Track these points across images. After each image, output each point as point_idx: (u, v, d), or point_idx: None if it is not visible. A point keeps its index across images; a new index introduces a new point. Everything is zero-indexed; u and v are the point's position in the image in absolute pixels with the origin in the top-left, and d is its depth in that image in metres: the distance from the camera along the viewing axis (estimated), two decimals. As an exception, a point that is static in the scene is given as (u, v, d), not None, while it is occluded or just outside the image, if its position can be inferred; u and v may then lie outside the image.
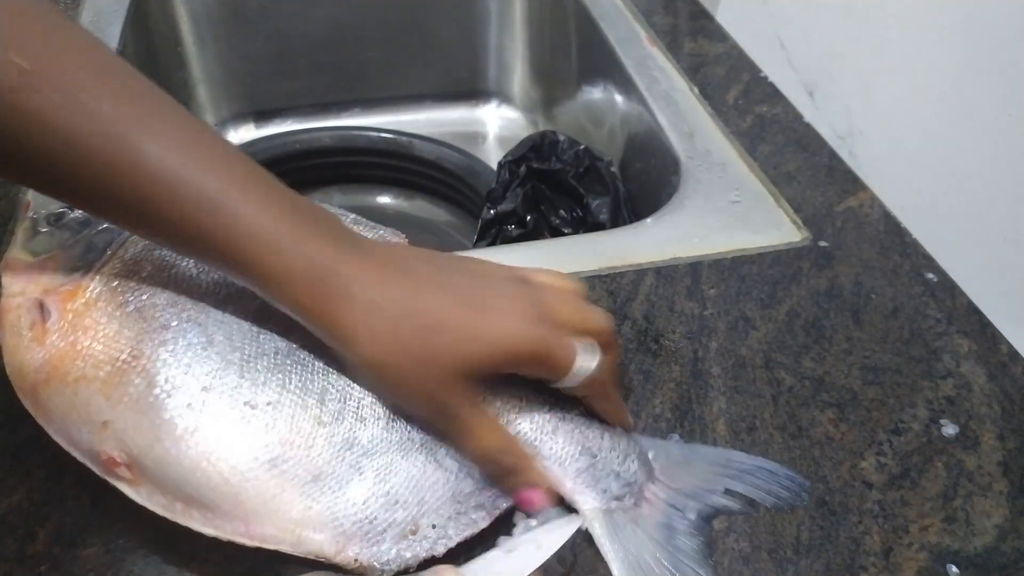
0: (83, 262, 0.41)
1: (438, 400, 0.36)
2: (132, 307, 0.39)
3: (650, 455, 0.43)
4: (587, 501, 0.40)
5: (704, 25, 0.85)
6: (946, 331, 0.53)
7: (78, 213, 0.44)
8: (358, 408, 0.38)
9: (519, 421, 0.40)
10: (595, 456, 0.41)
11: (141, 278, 0.40)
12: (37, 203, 0.59)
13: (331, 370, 0.39)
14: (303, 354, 0.39)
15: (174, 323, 0.39)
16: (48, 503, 0.41)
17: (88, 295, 0.40)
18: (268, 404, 0.38)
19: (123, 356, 0.38)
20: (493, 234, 0.76)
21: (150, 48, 0.87)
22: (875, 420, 0.47)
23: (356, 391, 0.39)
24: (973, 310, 0.54)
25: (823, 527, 0.42)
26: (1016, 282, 0.53)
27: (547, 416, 0.41)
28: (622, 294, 0.54)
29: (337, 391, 0.39)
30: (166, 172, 0.33)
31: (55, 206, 0.44)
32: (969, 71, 0.55)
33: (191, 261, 0.41)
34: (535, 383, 0.40)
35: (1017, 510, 0.43)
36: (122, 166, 0.33)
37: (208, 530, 0.37)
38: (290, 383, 0.38)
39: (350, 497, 0.37)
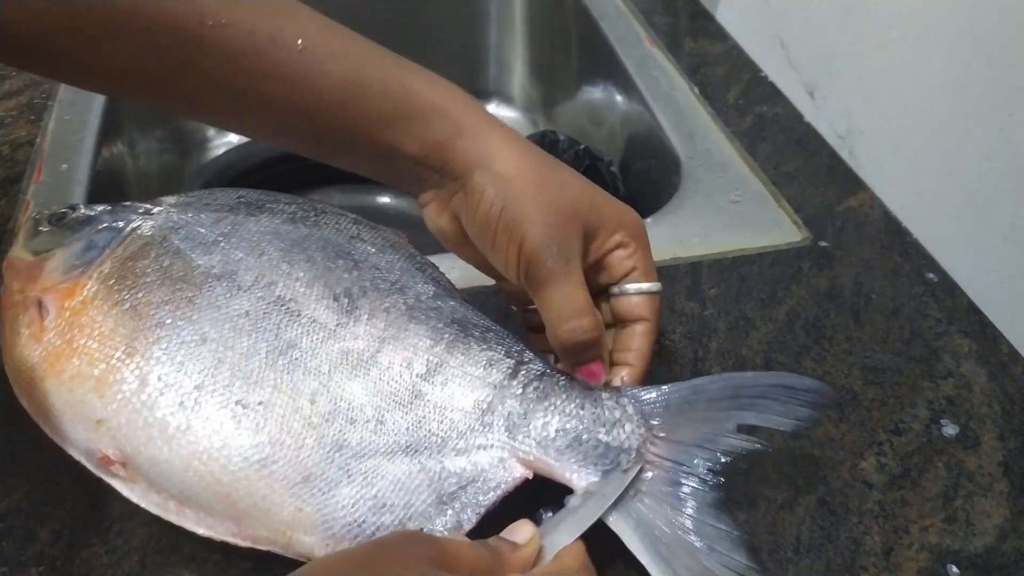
0: (82, 260, 0.41)
1: (556, 232, 0.38)
2: (128, 305, 0.40)
3: (645, 410, 0.40)
4: (580, 479, 0.38)
5: (704, 25, 0.85)
6: (946, 331, 0.53)
7: (79, 212, 0.44)
8: (348, 410, 0.38)
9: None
10: (577, 432, 0.39)
11: (137, 276, 0.40)
12: (37, 203, 0.59)
13: (323, 371, 0.39)
14: (296, 353, 0.39)
15: (168, 321, 0.39)
16: (48, 503, 0.41)
17: (85, 293, 0.40)
18: (259, 404, 0.38)
19: (117, 354, 0.38)
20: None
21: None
22: (875, 420, 0.47)
23: (347, 393, 0.38)
24: (973, 310, 0.54)
25: (823, 527, 0.42)
26: (1016, 282, 0.53)
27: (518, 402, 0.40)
28: (622, 294, 0.54)
29: (328, 392, 0.38)
30: (334, 34, 0.38)
31: (56, 206, 0.44)
32: (969, 71, 0.55)
33: (187, 259, 0.41)
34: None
35: (1017, 510, 0.43)
36: (285, 35, 0.37)
37: (201, 530, 0.37)
38: (282, 383, 0.38)
39: (339, 500, 0.37)
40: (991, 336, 0.53)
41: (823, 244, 0.59)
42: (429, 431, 0.38)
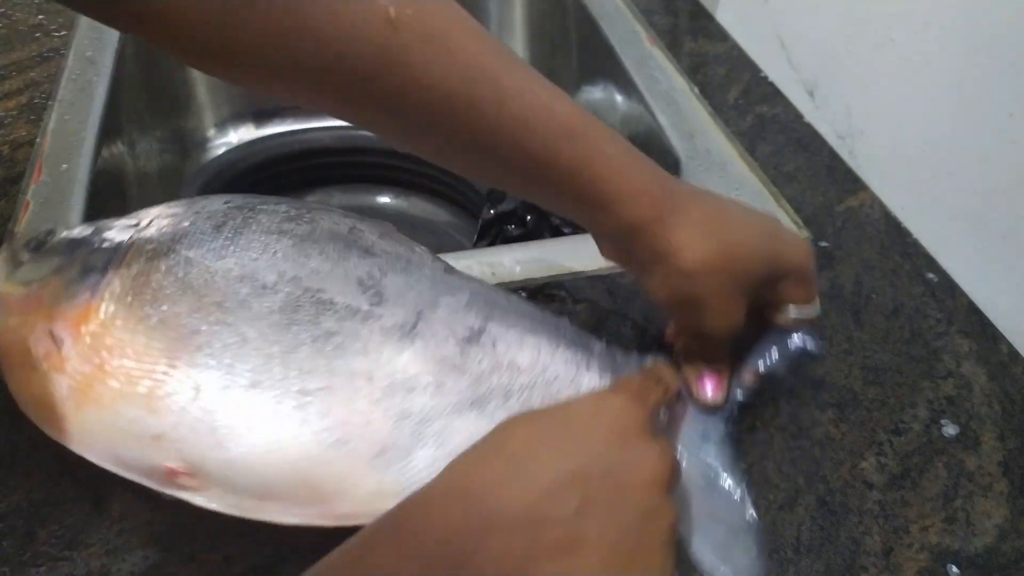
0: (85, 284, 0.40)
1: (728, 310, 0.41)
2: (155, 319, 0.39)
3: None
4: None
5: (704, 25, 0.85)
6: (946, 331, 0.53)
7: (60, 237, 0.43)
8: (405, 381, 0.40)
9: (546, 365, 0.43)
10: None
11: (154, 290, 0.40)
12: (37, 203, 0.59)
13: (371, 350, 0.40)
14: (340, 338, 0.40)
15: (203, 328, 0.39)
16: (48, 503, 0.41)
17: (102, 315, 0.39)
18: (320, 389, 0.38)
19: (160, 367, 0.38)
20: (493, 234, 0.76)
21: (150, 48, 0.87)
22: (875, 420, 0.47)
23: (400, 366, 0.40)
24: (973, 310, 0.54)
25: (823, 527, 0.42)
26: (1016, 282, 0.53)
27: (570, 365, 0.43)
28: (622, 294, 0.54)
29: (382, 368, 0.39)
30: (529, 106, 0.37)
31: (30, 234, 0.43)
32: (969, 71, 0.55)
33: (202, 267, 0.41)
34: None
35: (1017, 510, 0.43)
36: (485, 103, 0.36)
37: (288, 519, 0.37)
38: (336, 367, 0.39)
39: (416, 464, 0.38)
40: (991, 336, 0.53)
41: (823, 244, 0.59)
42: (489, 387, 0.41)
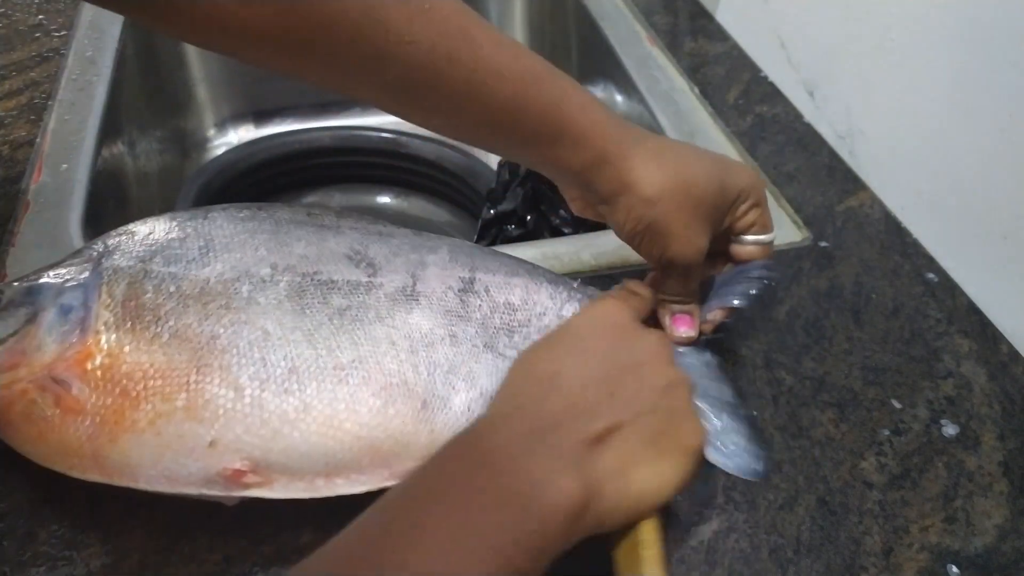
0: (69, 325, 0.40)
1: (693, 235, 0.44)
2: (167, 335, 0.39)
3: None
4: None
5: (704, 25, 0.85)
6: (946, 331, 0.53)
7: (13, 287, 0.42)
8: (423, 337, 0.42)
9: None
10: None
11: (151, 309, 0.40)
12: (37, 203, 0.59)
13: (383, 316, 0.42)
14: (353, 312, 0.42)
15: (221, 331, 0.39)
16: (48, 503, 0.41)
17: (105, 347, 0.39)
18: (352, 362, 0.40)
19: (192, 378, 0.38)
20: (493, 234, 0.76)
21: (150, 47, 0.87)
22: (875, 420, 0.47)
23: (414, 325, 0.42)
24: (973, 310, 0.54)
25: (823, 527, 0.42)
26: (1016, 282, 0.53)
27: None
28: (622, 294, 0.54)
29: (399, 330, 0.42)
30: (500, 56, 0.40)
31: None
32: (969, 71, 0.55)
33: (191, 278, 0.41)
34: None
35: (1017, 510, 0.43)
36: (462, 54, 0.39)
37: (357, 488, 0.38)
38: (359, 338, 0.41)
39: (457, 408, 0.41)
40: (991, 336, 0.53)
41: (823, 244, 0.59)
42: (495, 327, 0.44)
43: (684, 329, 0.47)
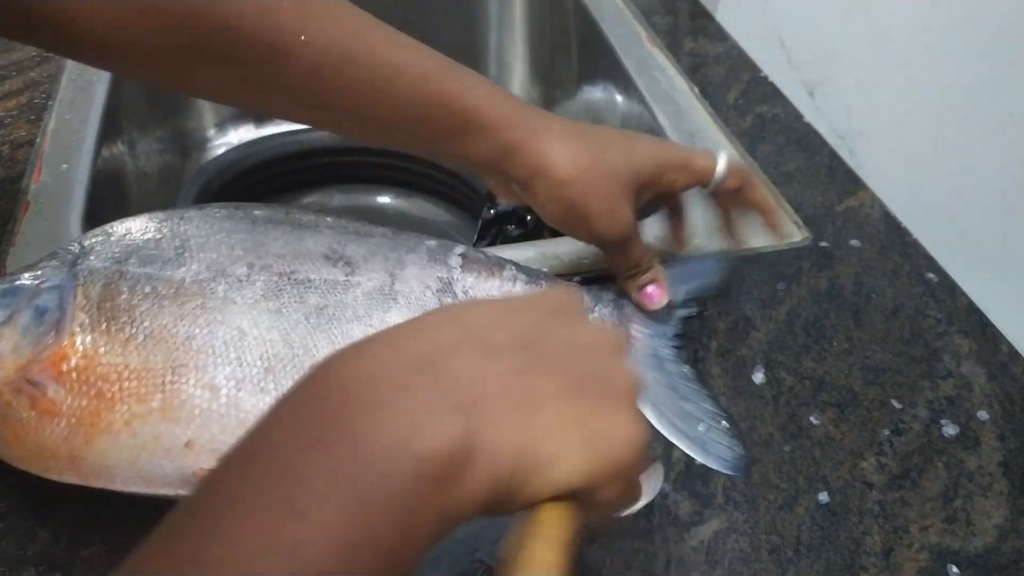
0: (44, 327, 0.39)
1: (615, 213, 0.45)
2: (142, 336, 0.39)
3: (624, 303, 0.50)
4: None
5: (704, 25, 0.85)
6: (946, 331, 0.53)
7: None
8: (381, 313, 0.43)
9: None
10: None
11: (126, 310, 0.40)
12: (37, 203, 0.59)
13: (360, 314, 0.42)
14: (330, 310, 0.42)
15: (196, 331, 0.39)
16: (48, 503, 0.41)
17: (81, 348, 0.39)
18: None
19: (168, 378, 0.38)
20: (493, 234, 0.76)
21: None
22: (875, 420, 0.47)
23: (392, 324, 0.43)
24: (973, 310, 0.54)
25: (823, 527, 0.42)
26: (1016, 282, 0.53)
27: None
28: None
29: (376, 330, 0.42)
30: (397, 55, 0.41)
31: None
32: (969, 71, 0.55)
33: (166, 278, 0.41)
34: None
35: (1017, 510, 0.43)
36: (359, 54, 0.40)
37: None
38: (336, 336, 0.41)
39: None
40: (991, 336, 0.53)
41: (823, 244, 0.59)
42: None
43: (656, 295, 0.49)
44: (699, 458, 0.45)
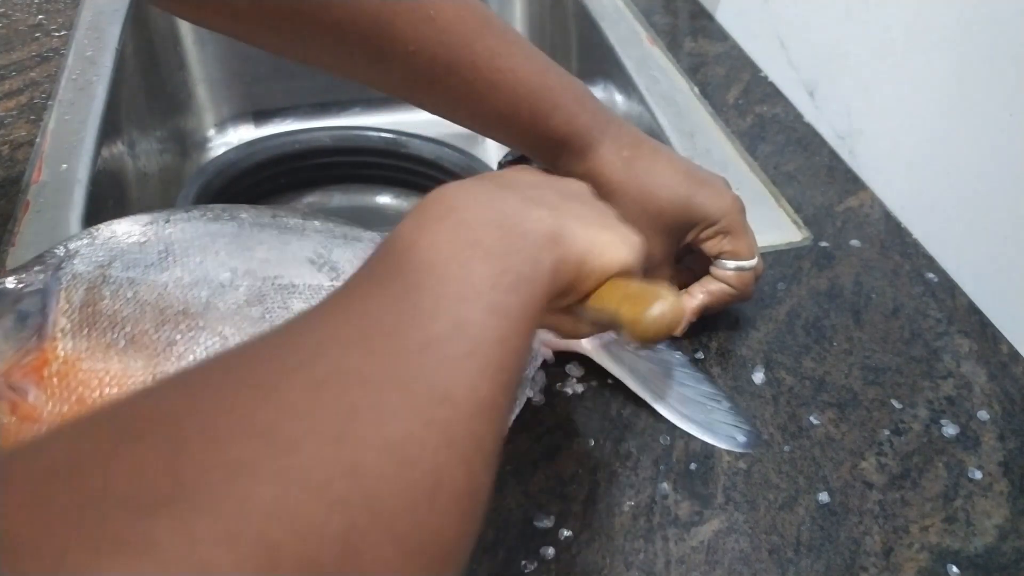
0: (26, 332, 0.39)
1: (645, 223, 0.44)
2: (123, 342, 0.39)
3: None
4: (587, 341, 0.48)
5: (704, 25, 0.85)
6: (946, 331, 0.53)
7: None
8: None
9: None
10: None
11: (110, 317, 0.39)
12: (37, 203, 0.59)
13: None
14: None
15: (178, 337, 0.39)
16: (48, 503, 0.41)
17: (62, 354, 0.38)
18: None
19: (148, 384, 0.37)
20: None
21: (150, 48, 0.87)
22: (875, 420, 0.47)
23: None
24: (973, 310, 0.54)
25: (823, 527, 0.42)
26: (1016, 282, 0.53)
27: None
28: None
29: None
30: (497, 69, 0.42)
31: None
32: (969, 71, 0.55)
33: (149, 283, 0.41)
34: None
35: (1017, 510, 0.43)
36: (461, 67, 0.42)
37: None
38: None
39: None
40: (991, 336, 0.53)
41: (823, 244, 0.59)
42: None
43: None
44: (711, 441, 0.46)
